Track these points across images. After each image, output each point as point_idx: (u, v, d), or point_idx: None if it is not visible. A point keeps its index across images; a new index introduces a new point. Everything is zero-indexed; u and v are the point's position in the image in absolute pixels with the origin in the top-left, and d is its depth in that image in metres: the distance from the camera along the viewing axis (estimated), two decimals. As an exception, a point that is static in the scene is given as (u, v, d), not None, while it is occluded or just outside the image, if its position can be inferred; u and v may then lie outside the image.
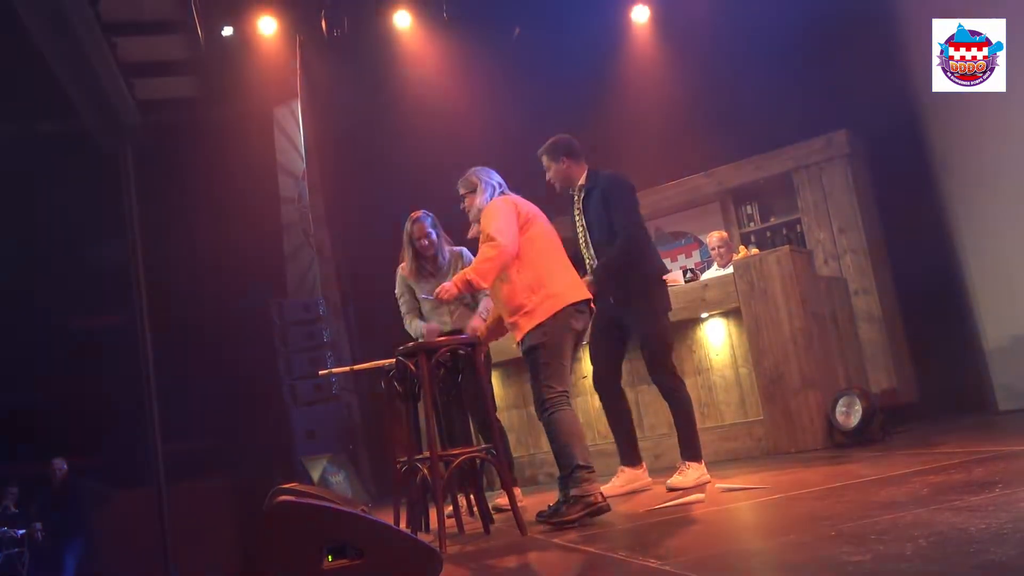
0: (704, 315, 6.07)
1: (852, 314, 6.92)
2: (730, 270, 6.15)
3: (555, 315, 3.90)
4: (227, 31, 7.89)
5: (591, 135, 4.68)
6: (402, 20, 8.25)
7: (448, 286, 3.91)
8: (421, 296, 5.07)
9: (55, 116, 7.50)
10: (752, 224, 8.21)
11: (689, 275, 6.52)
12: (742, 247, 7.23)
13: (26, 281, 7.52)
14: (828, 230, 7.52)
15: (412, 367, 3.99)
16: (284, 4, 8.00)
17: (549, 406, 3.85)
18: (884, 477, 3.75)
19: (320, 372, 5.53)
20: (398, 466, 4.21)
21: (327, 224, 8.37)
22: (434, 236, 5.09)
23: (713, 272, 6.74)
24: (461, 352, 4.07)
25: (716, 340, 6.09)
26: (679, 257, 8.26)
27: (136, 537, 6.81)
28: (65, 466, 7.88)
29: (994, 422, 6.09)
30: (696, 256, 8.25)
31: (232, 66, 7.96)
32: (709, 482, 4.57)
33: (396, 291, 5.31)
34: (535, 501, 5.06)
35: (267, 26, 7.99)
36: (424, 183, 8.02)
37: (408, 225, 5.13)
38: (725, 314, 6.03)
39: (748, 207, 8.25)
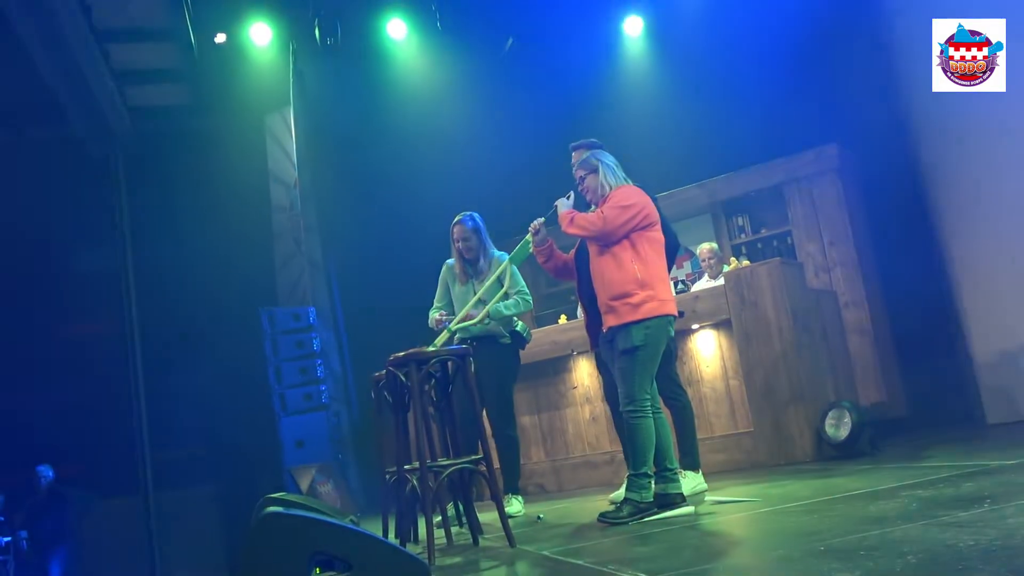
0: (695, 327, 6.08)
1: (842, 327, 6.93)
2: (721, 282, 6.16)
3: (658, 319, 4.05)
4: (220, 38, 7.87)
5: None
6: (396, 29, 8.26)
7: (568, 204, 4.25)
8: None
9: (46, 122, 7.47)
10: (743, 236, 8.23)
11: (680, 286, 6.53)
12: (733, 259, 7.24)
13: (15, 287, 7.49)
14: (818, 243, 7.54)
15: (403, 377, 3.98)
16: (278, 12, 8.00)
17: (640, 410, 4.01)
18: (873, 491, 3.76)
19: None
20: (387, 476, 4.20)
21: (319, 233, 8.36)
22: (473, 241, 5.11)
23: (704, 283, 6.75)
24: (451, 362, 4.06)
25: (707, 352, 6.10)
26: (671, 268, 8.25)
27: (122, 546, 6.78)
28: (51, 473, 7.82)
29: (982, 435, 6.10)
30: (687, 267, 8.26)
31: (225, 73, 7.95)
32: (706, 490, 4.58)
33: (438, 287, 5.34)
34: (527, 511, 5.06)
35: (260, 34, 7.99)
36: (417, 192, 8.05)
37: (451, 228, 5.19)
38: (716, 326, 6.04)
39: (739, 219, 8.27)
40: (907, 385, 7.29)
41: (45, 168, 7.36)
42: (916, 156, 7.24)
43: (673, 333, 4.26)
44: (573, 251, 4.66)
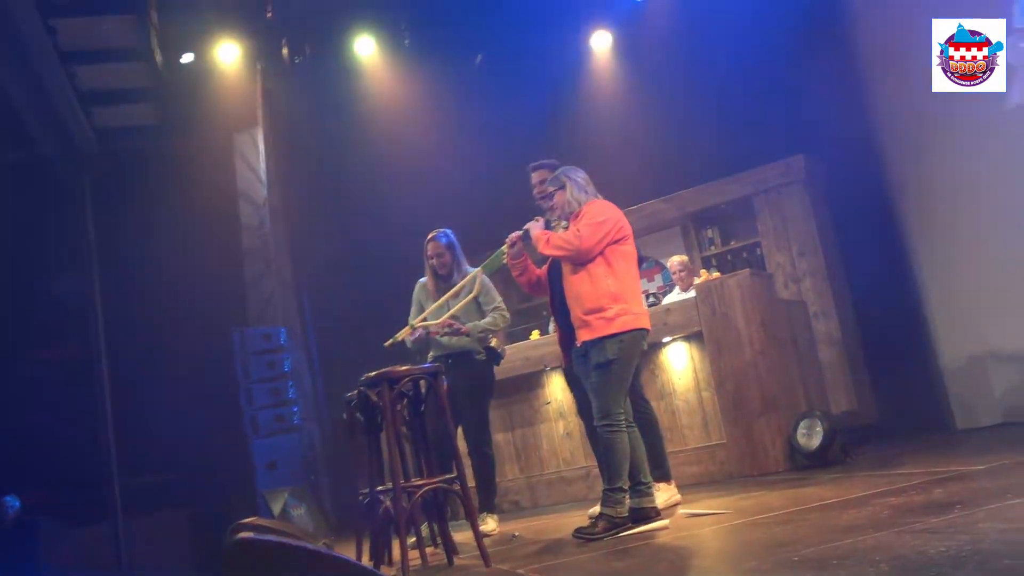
0: (666, 339, 6.10)
1: (812, 337, 6.99)
2: (692, 294, 6.19)
3: (632, 332, 4.06)
4: (187, 58, 7.82)
5: (552, 159, 4.71)
6: (364, 47, 8.25)
7: (535, 229, 4.26)
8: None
9: (12, 144, 7.38)
10: (713, 248, 8.28)
11: (651, 299, 6.55)
12: (703, 271, 7.28)
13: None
14: (787, 253, 7.60)
15: (375, 397, 3.96)
16: (245, 31, 7.95)
17: (615, 424, 4.01)
18: (845, 500, 3.78)
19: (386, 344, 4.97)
20: (361, 498, 4.16)
21: (289, 252, 8.31)
22: (447, 257, 5.14)
23: (675, 296, 6.78)
24: (423, 381, 4.05)
25: (679, 364, 6.11)
26: (641, 281, 8.28)
27: (93, 574, 6.66)
28: (18, 503, 7.68)
29: (952, 441, 6.16)
30: (658, 280, 8.30)
31: (193, 93, 7.89)
32: (679, 503, 4.59)
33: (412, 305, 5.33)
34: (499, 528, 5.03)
35: (228, 53, 7.94)
36: (387, 208, 8.03)
37: (424, 244, 5.22)
38: (687, 338, 6.06)
39: (709, 231, 8.33)
40: (877, 393, 7.35)
41: (10, 190, 7.25)
42: (882, 166, 7.33)
43: (646, 347, 4.27)
44: (546, 266, 4.67)
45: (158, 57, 7.23)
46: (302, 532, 4.05)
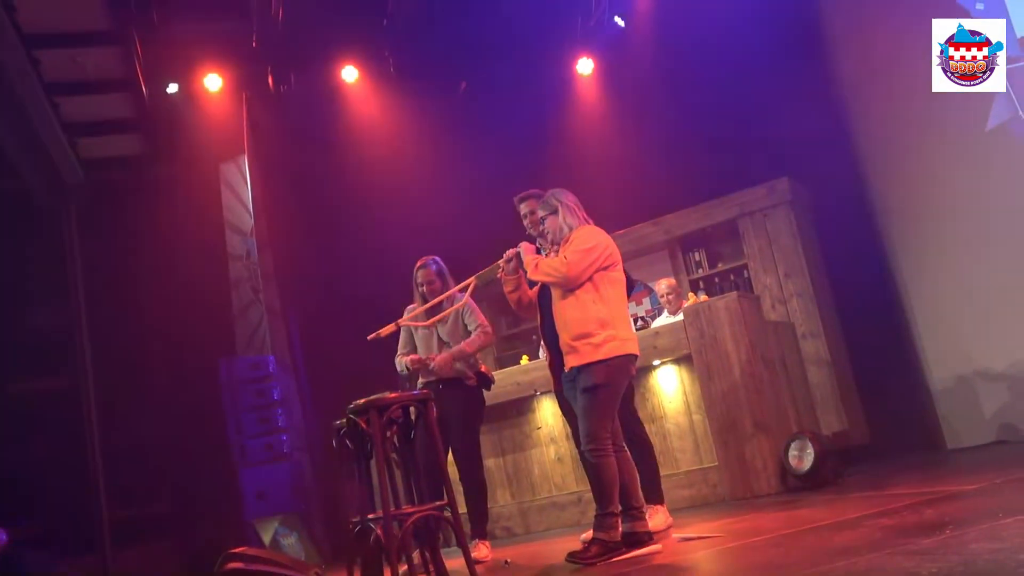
0: (656, 362, 6.10)
1: (800, 358, 7.01)
2: (680, 317, 6.20)
3: (619, 358, 4.05)
4: (172, 88, 7.83)
5: (538, 186, 4.72)
6: (349, 75, 8.29)
7: (526, 252, 4.34)
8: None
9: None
10: (700, 271, 8.31)
11: (640, 323, 6.56)
12: (691, 294, 7.30)
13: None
14: (774, 275, 7.63)
15: (364, 424, 3.94)
16: (230, 60, 7.97)
17: (603, 449, 3.99)
18: (838, 521, 3.77)
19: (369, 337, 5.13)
20: (351, 526, 4.13)
21: (276, 281, 8.29)
22: (437, 284, 5.18)
23: (664, 319, 6.79)
24: (413, 407, 4.03)
25: (669, 387, 6.12)
26: (630, 305, 8.30)
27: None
28: (4, 536, 7.59)
29: (942, 461, 6.18)
30: (647, 304, 8.31)
31: (178, 123, 7.89)
32: (672, 526, 4.57)
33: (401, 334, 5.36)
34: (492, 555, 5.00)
35: (213, 83, 7.96)
36: (374, 235, 8.03)
37: (414, 271, 5.27)
38: (677, 361, 6.07)
39: (696, 254, 8.36)
40: (867, 413, 7.36)
41: (-6, 221, 7.23)
42: (867, 188, 7.40)
43: (635, 372, 4.27)
44: (536, 289, 4.67)
45: (143, 87, 7.23)
46: (292, 561, 4.01)
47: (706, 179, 7.85)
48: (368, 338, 4.57)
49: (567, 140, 8.49)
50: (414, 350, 5.30)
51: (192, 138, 8.01)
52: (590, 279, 4.12)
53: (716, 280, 8.17)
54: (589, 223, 4.31)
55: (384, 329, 4.60)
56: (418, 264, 5.26)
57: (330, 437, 4.81)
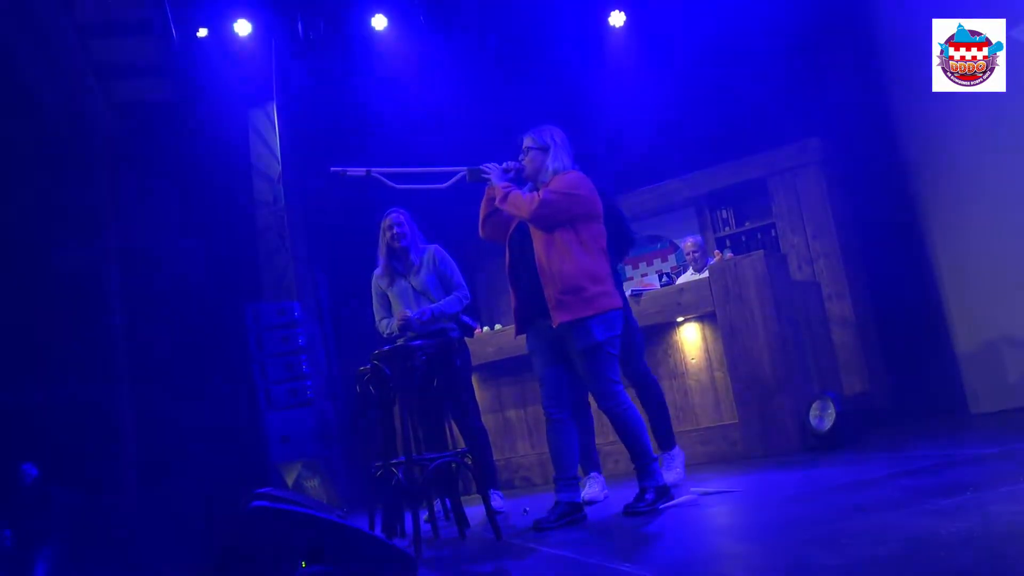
0: (679, 319, 6.10)
1: (826, 318, 6.97)
2: (705, 275, 6.18)
3: (614, 311, 3.99)
4: (202, 33, 7.82)
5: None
6: (379, 23, 8.23)
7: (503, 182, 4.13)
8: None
9: (28, 118, 7.39)
10: (727, 229, 8.26)
11: (665, 279, 6.55)
12: (717, 252, 7.27)
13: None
14: (802, 235, 7.58)
15: (387, 371, 3.98)
16: (260, 6, 7.94)
17: (622, 402, 3.97)
18: (857, 481, 3.78)
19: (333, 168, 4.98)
20: (373, 471, 4.19)
21: (303, 227, 8.32)
22: (405, 228, 5.11)
23: (689, 276, 6.77)
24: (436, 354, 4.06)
25: (691, 344, 6.11)
26: (655, 261, 8.29)
27: (108, 542, 6.73)
28: (36, 471, 7.76)
29: (965, 424, 6.15)
30: (672, 260, 8.28)
31: (207, 68, 7.89)
32: (684, 478, 4.63)
33: (373, 300, 5.28)
34: (512, 505, 5.06)
35: (242, 28, 7.94)
36: (400, 185, 8.01)
37: (381, 226, 5.19)
38: (700, 318, 6.06)
39: (723, 212, 8.30)
40: (891, 375, 7.33)
41: (24, 163, 7.28)
42: (899, 150, 7.28)
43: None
44: (514, 224, 4.38)
45: (173, 31, 7.23)
46: (316, 503, 4.09)
47: (736, 137, 7.76)
48: (331, 168, 4.45)
49: (597, 94, 8.39)
50: (390, 313, 5.21)
51: (221, 84, 8.01)
52: (575, 230, 3.96)
53: (743, 239, 8.12)
54: (576, 171, 4.14)
55: (353, 169, 4.52)
56: (385, 217, 5.18)
57: (353, 384, 4.88)
